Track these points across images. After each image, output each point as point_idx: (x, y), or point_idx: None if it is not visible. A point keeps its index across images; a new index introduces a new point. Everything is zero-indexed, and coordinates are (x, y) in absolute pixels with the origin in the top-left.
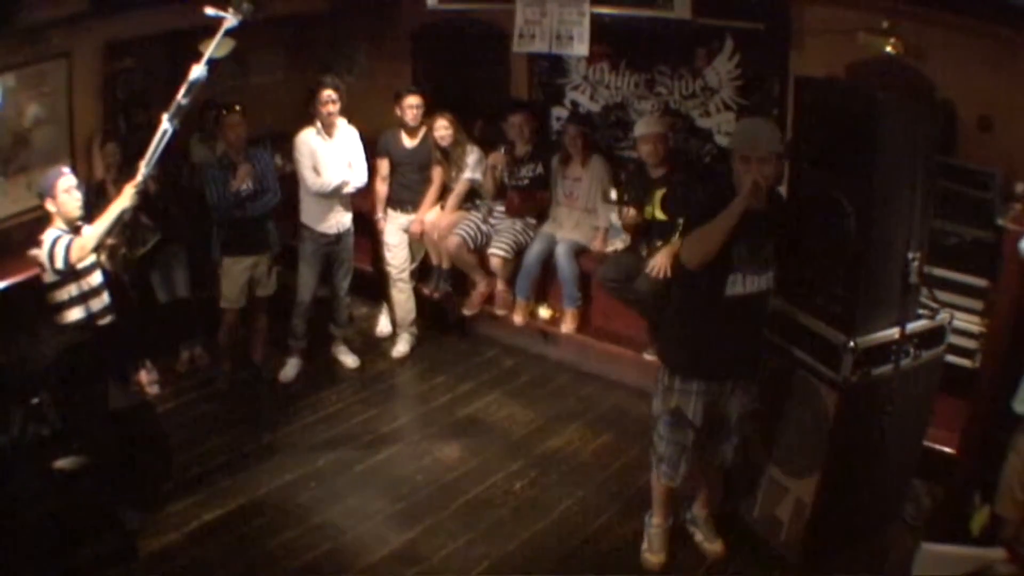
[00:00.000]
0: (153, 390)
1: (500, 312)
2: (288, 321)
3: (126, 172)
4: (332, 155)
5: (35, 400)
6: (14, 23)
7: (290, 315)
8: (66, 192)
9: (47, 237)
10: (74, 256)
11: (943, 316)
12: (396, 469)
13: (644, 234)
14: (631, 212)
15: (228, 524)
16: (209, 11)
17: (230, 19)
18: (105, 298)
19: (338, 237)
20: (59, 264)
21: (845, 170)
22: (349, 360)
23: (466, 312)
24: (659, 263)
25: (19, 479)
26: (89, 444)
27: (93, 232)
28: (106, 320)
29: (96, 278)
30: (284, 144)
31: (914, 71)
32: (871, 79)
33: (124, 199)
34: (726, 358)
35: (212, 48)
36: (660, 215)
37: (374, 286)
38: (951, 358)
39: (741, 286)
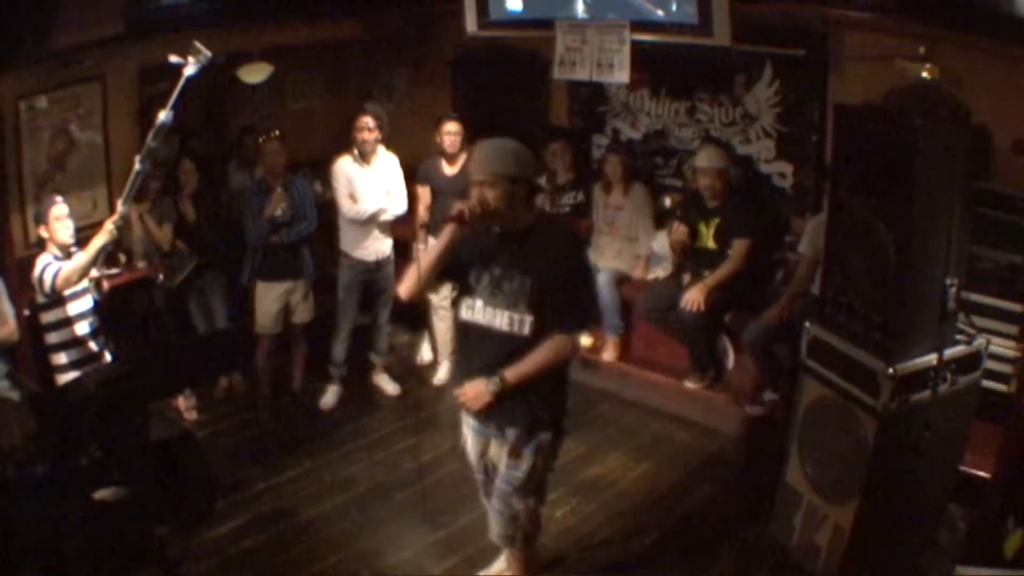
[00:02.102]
0: (191, 416)
1: None
2: (328, 348)
3: (159, 202)
4: (369, 182)
5: (74, 431)
6: (47, 45)
7: (330, 342)
8: (57, 220)
9: (40, 262)
10: (60, 284)
11: (980, 342)
12: (436, 497)
13: (689, 262)
14: (681, 228)
15: (267, 551)
16: (172, 58)
17: (190, 66)
18: (87, 325)
19: (377, 265)
20: (47, 289)
21: (884, 196)
22: (390, 388)
23: None
24: (693, 297)
25: (59, 510)
26: (129, 475)
27: (75, 265)
28: (92, 345)
29: (82, 305)
30: (324, 171)
31: (950, 96)
32: (909, 105)
33: (103, 235)
34: None
35: (174, 96)
36: (711, 244)
37: (415, 314)
38: (986, 383)
39: (480, 315)
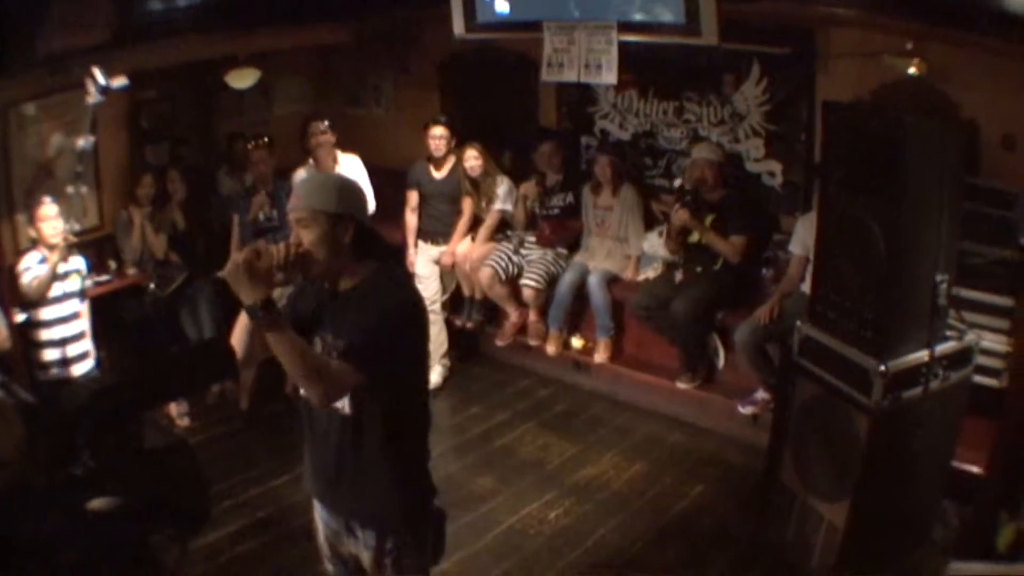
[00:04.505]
0: (183, 422)
1: (533, 342)
2: None
3: (159, 205)
4: None
5: (68, 440)
6: (35, 53)
7: None
8: (43, 220)
9: (27, 259)
10: (31, 291)
11: (970, 337)
12: None
13: (682, 258)
14: (682, 211)
15: (261, 556)
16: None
17: (91, 96)
18: (71, 328)
19: None
20: (23, 289)
21: (873, 193)
22: None
23: (499, 343)
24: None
25: (53, 520)
26: (123, 484)
27: (38, 279)
28: (77, 347)
29: (61, 310)
30: None
31: (938, 92)
32: (897, 101)
33: (56, 255)
34: (323, 483)
35: (87, 123)
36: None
37: None
38: (977, 378)
39: None
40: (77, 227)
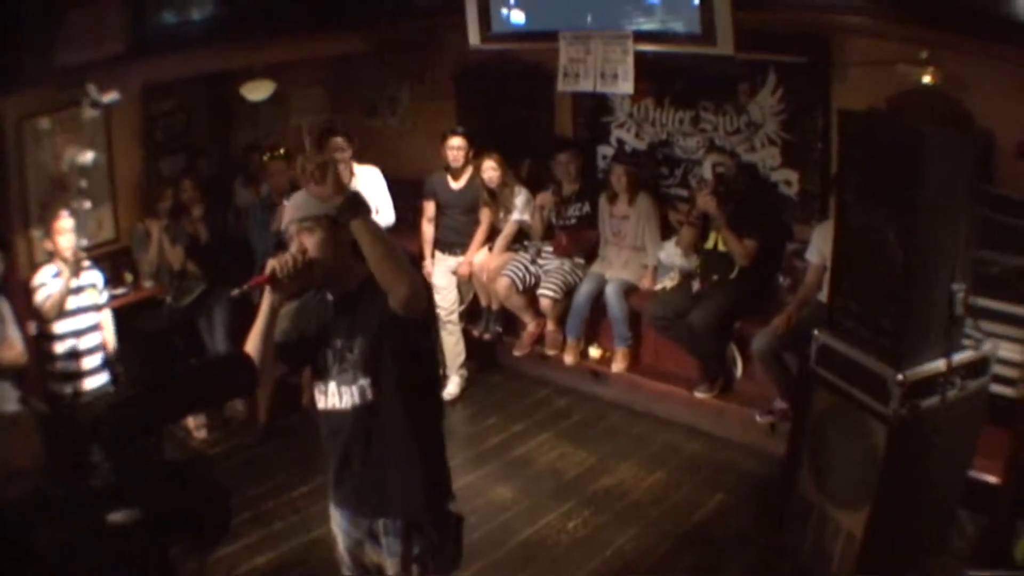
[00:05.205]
0: (200, 435)
1: (551, 352)
2: None
3: (175, 217)
4: None
5: (86, 453)
6: (49, 66)
7: None
8: (60, 234)
9: (41, 273)
10: (44, 310)
11: (987, 346)
12: None
13: (698, 267)
14: (711, 199)
15: (279, 568)
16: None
17: (86, 110)
18: (86, 341)
19: None
20: (37, 307)
21: (890, 202)
22: None
23: (517, 353)
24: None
25: (71, 531)
26: (143, 497)
27: (51, 298)
28: (92, 360)
29: (78, 323)
30: None
31: (953, 100)
32: (911, 110)
33: (68, 270)
34: (347, 486)
35: (96, 138)
36: (721, 247)
37: None
38: (994, 387)
39: (337, 399)
40: (85, 242)
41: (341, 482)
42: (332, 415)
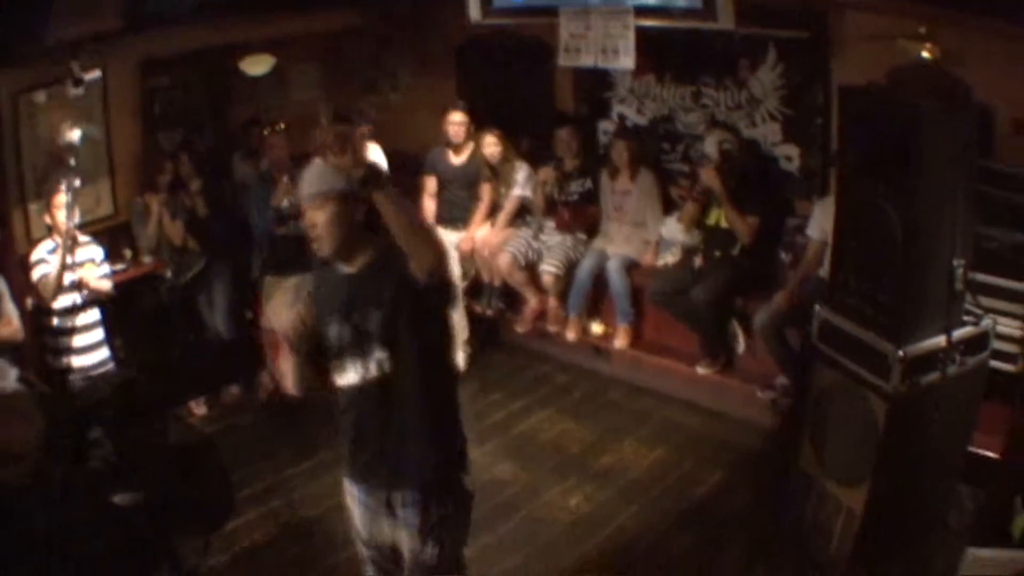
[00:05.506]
0: (200, 411)
1: (553, 328)
2: None
3: (174, 192)
4: None
5: (90, 435)
6: (45, 40)
7: None
8: (58, 208)
9: (39, 248)
10: (41, 290)
11: (987, 322)
12: None
13: (701, 243)
14: (714, 174)
15: (277, 546)
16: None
17: (71, 89)
18: (84, 317)
19: None
20: (34, 284)
21: (890, 178)
22: None
23: (519, 329)
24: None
25: (72, 513)
26: (146, 479)
27: (48, 275)
28: (90, 336)
29: (75, 299)
30: None
31: (951, 75)
32: (910, 85)
33: (62, 247)
34: (364, 460)
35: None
36: (723, 223)
37: None
38: (993, 363)
39: (354, 372)
40: (77, 220)
41: (358, 455)
42: (349, 389)
